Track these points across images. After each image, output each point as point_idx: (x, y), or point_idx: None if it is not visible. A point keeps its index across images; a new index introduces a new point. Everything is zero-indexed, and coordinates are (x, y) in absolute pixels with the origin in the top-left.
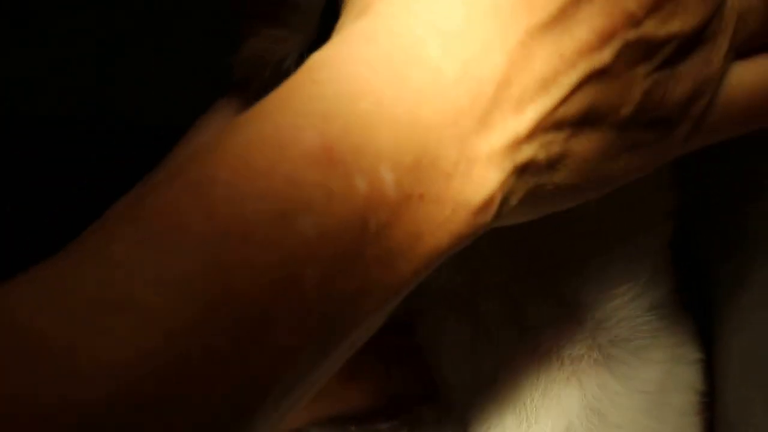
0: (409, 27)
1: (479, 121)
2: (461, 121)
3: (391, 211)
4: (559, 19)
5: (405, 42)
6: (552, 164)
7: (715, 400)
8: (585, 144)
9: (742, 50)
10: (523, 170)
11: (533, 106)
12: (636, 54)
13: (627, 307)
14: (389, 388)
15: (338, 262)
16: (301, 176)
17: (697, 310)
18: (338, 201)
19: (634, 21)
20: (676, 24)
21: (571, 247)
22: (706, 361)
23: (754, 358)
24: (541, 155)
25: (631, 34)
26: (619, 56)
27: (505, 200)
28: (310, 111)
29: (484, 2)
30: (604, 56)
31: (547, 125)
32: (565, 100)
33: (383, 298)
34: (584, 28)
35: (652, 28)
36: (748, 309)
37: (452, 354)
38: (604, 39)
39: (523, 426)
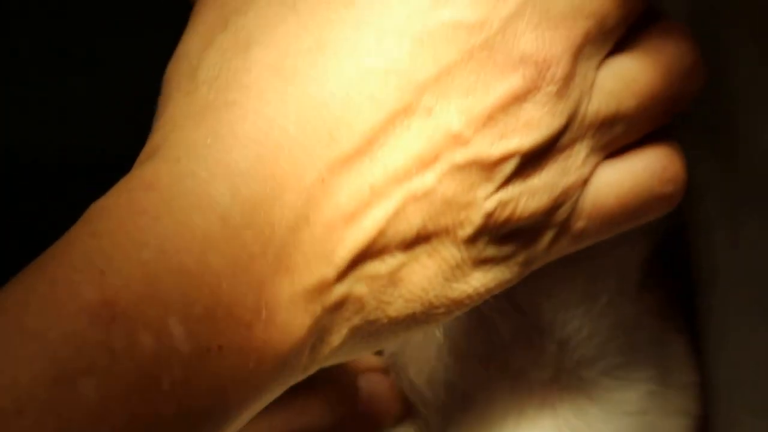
0: (194, 170)
1: (276, 265)
2: (255, 267)
3: (185, 367)
4: (364, 150)
5: (189, 186)
6: (378, 297)
7: (708, 424)
8: (419, 270)
9: (609, 151)
10: (337, 309)
11: (343, 244)
12: (469, 175)
13: (588, 327)
14: (357, 403)
15: (130, 426)
16: (80, 335)
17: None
18: (123, 360)
19: (460, 141)
20: (514, 141)
21: None
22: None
23: (739, 379)
24: (361, 291)
25: (459, 156)
26: (445, 179)
27: (320, 343)
28: (88, 265)
29: (277, 138)
30: (427, 180)
31: (362, 259)
32: (381, 231)
33: None
34: (398, 155)
35: (485, 147)
36: (733, 329)
37: (424, 370)
38: (424, 163)
39: None
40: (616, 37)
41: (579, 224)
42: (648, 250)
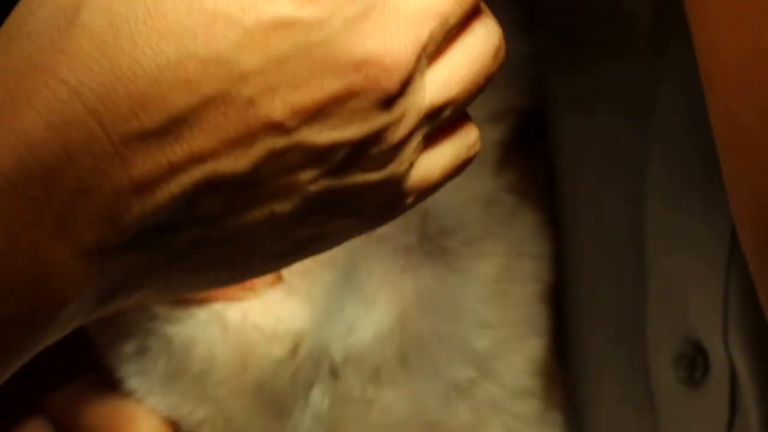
0: None
1: (51, 230)
2: (28, 234)
3: None
4: (168, 129)
5: None
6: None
7: (566, 288)
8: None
9: (434, 132)
10: (125, 277)
11: (129, 212)
12: (290, 161)
13: (447, 198)
14: None
15: None
16: None
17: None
18: None
19: (281, 130)
20: (347, 131)
21: None
22: (555, 254)
23: (602, 247)
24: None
25: (279, 143)
26: (263, 163)
27: (102, 303)
28: None
29: (74, 108)
30: (238, 163)
31: (149, 229)
32: (174, 205)
33: None
34: (207, 137)
35: (311, 135)
36: (586, 198)
37: None
38: (235, 147)
39: (361, 311)
40: (456, 31)
41: (408, 201)
42: (506, 130)
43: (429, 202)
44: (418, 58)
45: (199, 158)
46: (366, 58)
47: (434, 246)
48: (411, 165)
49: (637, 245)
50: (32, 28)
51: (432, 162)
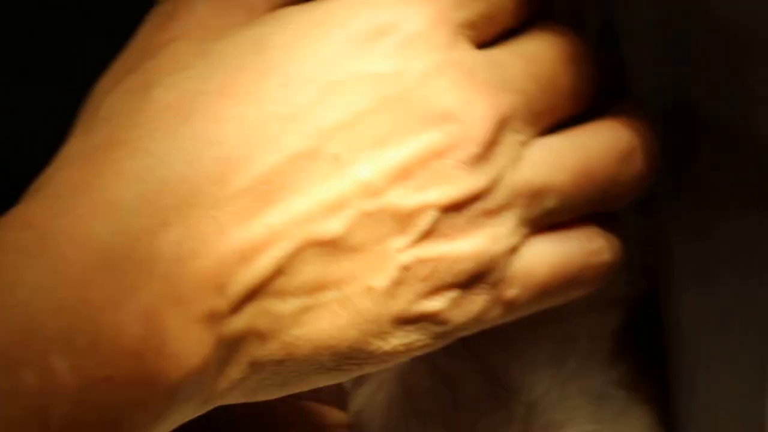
0: (73, 207)
1: (162, 296)
2: (139, 299)
3: (72, 401)
4: (259, 190)
5: (66, 223)
6: (282, 337)
7: None
8: (327, 317)
9: (543, 225)
10: (235, 342)
11: (235, 279)
12: (381, 224)
13: (556, 390)
14: None
15: None
16: None
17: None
18: (7, 399)
19: (370, 190)
20: (432, 194)
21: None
22: None
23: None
24: (262, 327)
25: (369, 204)
26: (354, 226)
27: (219, 374)
28: None
29: (162, 174)
30: (331, 226)
31: (257, 296)
32: (279, 271)
33: None
34: (300, 198)
35: (398, 197)
36: (704, 401)
37: (388, 429)
38: (329, 209)
39: None
40: (549, 120)
41: (511, 292)
42: (619, 320)
43: (536, 394)
44: (500, 125)
45: (294, 221)
46: (443, 114)
47: None
48: (511, 250)
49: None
50: (106, 113)
51: (538, 253)
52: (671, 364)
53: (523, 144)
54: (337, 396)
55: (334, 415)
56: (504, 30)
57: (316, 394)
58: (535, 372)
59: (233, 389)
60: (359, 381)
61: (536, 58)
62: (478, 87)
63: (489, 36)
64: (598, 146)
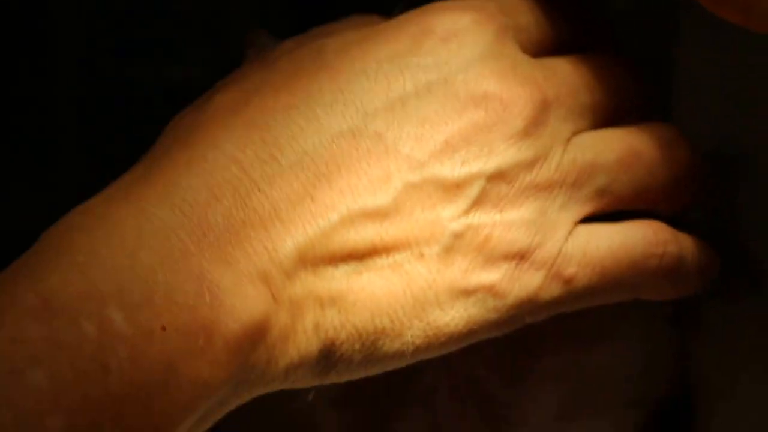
0: (128, 192)
1: (214, 260)
2: (191, 260)
3: (130, 347)
4: (309, 167)
5: (124, 203)
6: (339, 303)
7: None
8: (381, 283)
9: (597, 207)
10: (293, 305)
11: (283, 243)
12: (429, 194)
13: None
14: None
15: (84, 406)
16: (24, 333)
17: None
18: (69, 348)
19: (413, 163)
20: (477, 165)
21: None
22: None
23: None
24: (318, 290)
25: (414, 176)
26: (400, 197)
27: (284, 341)
28: (27, 276)
29: (212, 157)
30: (378, 199)
31: (307, 261)
32: (325, 236)
33: None
34: (344, 173)
35: (444, 169)
36: None
37: None
38: (373, 182)
39: None
40: (597, 114)
41: (570, 270)
42: (642, 420)
43: None
44: (543, 108)
45: (339, 193)
46: (484, 95)
47: None
48: (563, 225)
49: None
50: (174, 129)
51: (595, 236)
52: None
53: (571, 130)
54: None
55: None
56: (559, 44)
57: None
58: None
59: (305, 362)
60: None
61: (584, 62)
62: (520, 77)
63: (541, 47)
64: (643, 134)
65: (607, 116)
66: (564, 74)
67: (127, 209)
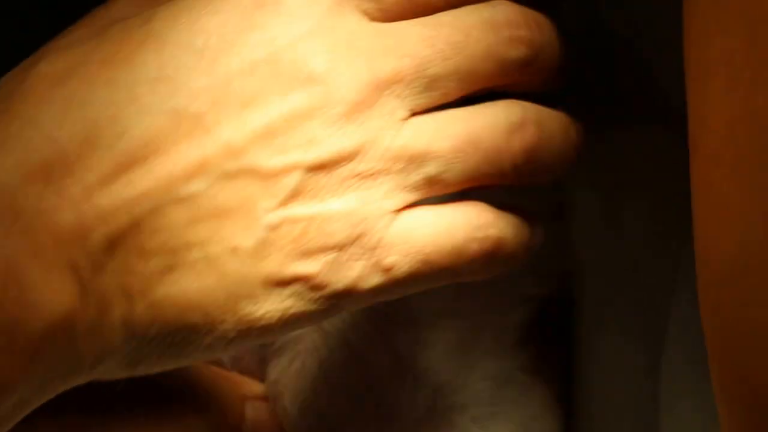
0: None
1: (22, 247)
2: (0, 249)
3: None
4: (127, 149)
5: None
6: (149, 298)
7: None
8: (193, 277)
9: (426, 192)
10: (105, 301)
11: (93, 232)
12: (245, 185)
13: (462, 376)
14: (242, 430)
15: None
16: None
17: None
18: None
19: (232, 151)
20: (295, 155)
21: (407, 304)
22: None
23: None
24: (126, 285)
25: (230, 165)
26: (215, 186)
27: (92, 334)
28: None
29: (28, 135)
30: (192, 187)
31: (115, 251)
32: (136, 226)
33: None
34: (164, 159)
35: (262, 158)
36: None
37: (298, 399)
38: (190, 169)
39: None
40: (451, 87)
41: (390, 259)
42: (525, 315)
43: (443, 378)
44: (375, 89)
45: (155, 179)
46: (309, 76)
47: (444, 420)
48: (387, 214)
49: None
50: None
51: (419, 221)
52: (574, 355)
53: (408, 110)
54: (259, 368)
55: (253, 386)
56: (422, 11)
57: (237, 364)
58: (442, 359)
59: (111, 356)
60: (276, 353)
61: (439, 24)
62: (353, 51)
63: (398, 11)
64: (486, 118)
65: (465, 88)
66: (414, 42)
67: None
